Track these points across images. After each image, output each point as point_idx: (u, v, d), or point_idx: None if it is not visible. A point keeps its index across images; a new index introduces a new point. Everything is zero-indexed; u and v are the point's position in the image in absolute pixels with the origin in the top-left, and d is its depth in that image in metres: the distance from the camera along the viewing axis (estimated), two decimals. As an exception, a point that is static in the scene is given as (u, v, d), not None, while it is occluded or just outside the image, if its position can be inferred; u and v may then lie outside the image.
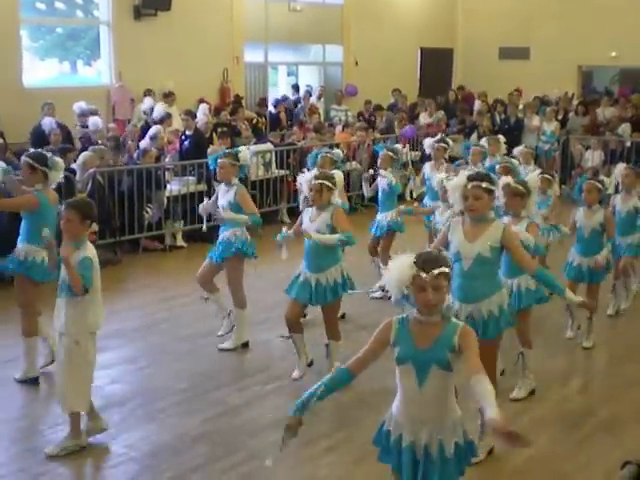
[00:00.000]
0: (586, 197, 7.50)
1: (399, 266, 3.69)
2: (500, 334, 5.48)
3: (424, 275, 3.63)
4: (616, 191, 8.83)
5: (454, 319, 3.79)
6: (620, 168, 8.46)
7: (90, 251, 5.42)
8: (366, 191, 9.69)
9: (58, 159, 6.73)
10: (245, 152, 7.57)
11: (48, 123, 11.93)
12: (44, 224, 6.53)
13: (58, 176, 6.66)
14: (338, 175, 6.79)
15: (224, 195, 7.38)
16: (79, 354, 5.42)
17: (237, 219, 7.26)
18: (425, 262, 3.67)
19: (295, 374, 6.77)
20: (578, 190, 7.63)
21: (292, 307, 6.71)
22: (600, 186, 7.51)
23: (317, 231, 6.45)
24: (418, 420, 3.73)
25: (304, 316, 7.34)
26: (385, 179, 8.92)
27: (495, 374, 5.54)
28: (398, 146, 9.72)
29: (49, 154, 6.74)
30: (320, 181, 6.47)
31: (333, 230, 6.46)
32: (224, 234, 7.36)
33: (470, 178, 5.32)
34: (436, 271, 3.64)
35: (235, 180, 7.40)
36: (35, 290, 6.63)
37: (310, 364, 6.83)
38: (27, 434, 5.86)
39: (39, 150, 7.02)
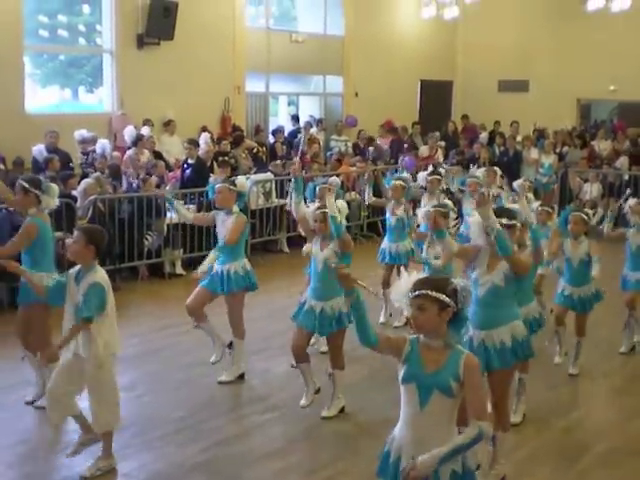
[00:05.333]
0: (572, 228, 7.53)
1: (405, 281, 3.83)
2: (515, 364, 5.54)
3: (410, 294, 3.76)
4: (615, 224, 8.84)
5: (458, 346, 3.82)
6: (632, 203, 8.48)
7: (101, 275, 5.43)
8: (367, 196, 9.79)
9: (53, 185, 6.68)
10: (243, 180, 7.60)
11: (40, 150, 11.95)
12: (47, 247, 6.58)
13: (52, 202, 6.60)
14: (342, 205, 6.81)
15: (223, 223, 7.38)
16: (103, 376, 5.45)
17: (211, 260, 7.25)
18: (418, 282, 3.78)
19: (303, 402, 6.77)
20: (564, 222, 7.66)
21: (298, 336, 6.68)
22: (586, 218, 7.56)
23: (326, 258, 6.49)
24: (417, 443, 3.73)
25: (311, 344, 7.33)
26: (399, 211, 9.08)
27: (507, 403, 5.60)
28: (407, 175, 9.81)
29: (45, 179, 6.76)
30: (323, 211, 6.53)
31: (341, 256, 6.50)
32: (228, 266, 7.30)
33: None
34: (417, 292, 3.74)
35: (235, 208, 7.41)
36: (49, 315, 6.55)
37: (317, 391, 6.80)
38: (25, 460, 5.83)
39: (34, 175, 7.01)
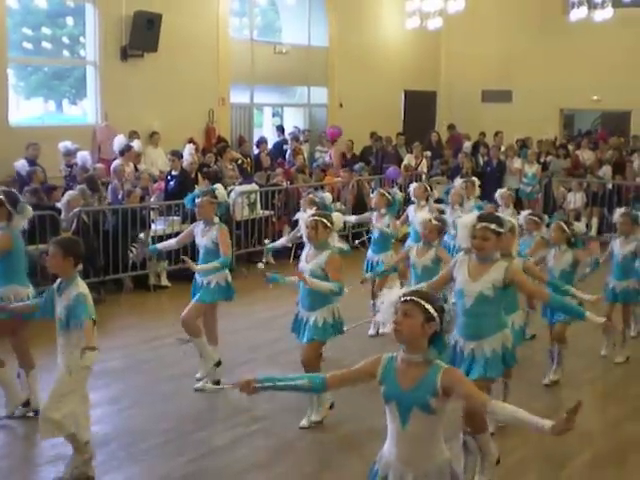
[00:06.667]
0: (550, 235, 7.59)
1: (393, 294, 3.81)
2: (500, 375, 5.56)
3: (399, 301, 3.76)
4: (599, 232, 8.90)
5: (437, 361, 3.78)
6: (617, 213, 8.53)
7: (82, 287, 5.39)
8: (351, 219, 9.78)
9: (28, 207, 6.69)
10: (222, 189, 7.59)
11: (22, 165, 11.89)
12: (21, 259, 6.55)
13: (22, 222, 6.59)
14: (337, 217, 6.75)
15: (205, 234, 7.38)
16: (70, 384, 5.36)
17: (208, 269, 7.28)
18: (409, 291, 3.80)
19: (314, 417, 6.61)
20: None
21: (304, 349, 6.59)
22: (564, 227, 7.59)
23: (311, 272, 6.41)
24: (403, 461, 3.72)
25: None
26: (381, 223, 9.06)
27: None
28: (395, 189, 9.83)
29: (23, 199, 6.78)
30: (315, 218, 6.47)
31: (326, 274, 6.41)
32: (210, 277, 7.34)
33: (480, 218, 5.44)
34: (406, 297, 3.74)
35: (216, 219, 7.42)
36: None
37: (331, 406, 6.66)
38: (6, 474, 5.78)
39: (13, 190, 7.04)
